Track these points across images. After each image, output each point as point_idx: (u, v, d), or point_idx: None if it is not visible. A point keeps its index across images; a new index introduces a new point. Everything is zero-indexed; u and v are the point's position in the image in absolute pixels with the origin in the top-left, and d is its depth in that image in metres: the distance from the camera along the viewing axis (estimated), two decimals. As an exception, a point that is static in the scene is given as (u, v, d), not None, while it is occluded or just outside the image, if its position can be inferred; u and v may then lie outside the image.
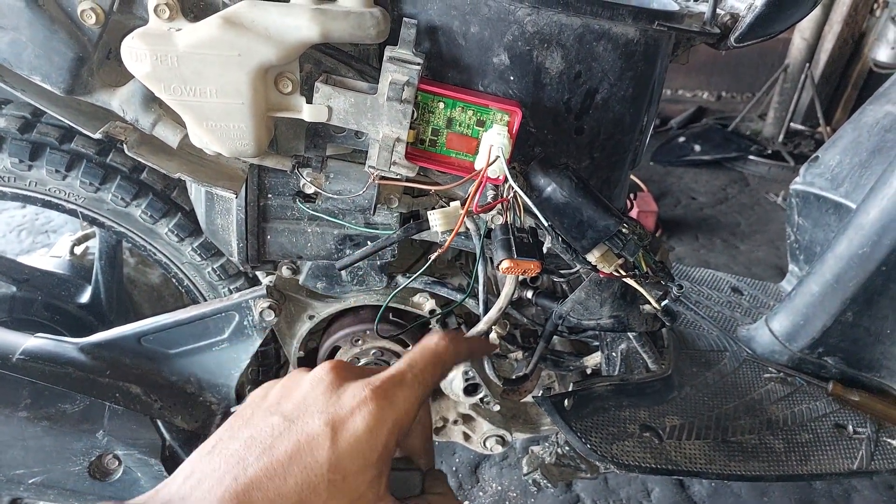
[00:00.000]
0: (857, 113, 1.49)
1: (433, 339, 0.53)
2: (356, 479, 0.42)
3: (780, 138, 4.34)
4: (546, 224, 0.71)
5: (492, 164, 0.66)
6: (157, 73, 0.62)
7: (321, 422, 0.42)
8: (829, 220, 1.48)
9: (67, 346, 0.92)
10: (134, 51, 0.60)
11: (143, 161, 0.71)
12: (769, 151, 4.25)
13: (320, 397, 0.45)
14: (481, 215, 0.72)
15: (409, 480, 0.53)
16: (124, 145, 0.70)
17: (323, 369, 0.48)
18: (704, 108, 5.24)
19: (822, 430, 1.26)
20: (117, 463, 0.86)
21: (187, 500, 0.39)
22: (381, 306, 0.88)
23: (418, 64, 0.64)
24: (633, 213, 3.05)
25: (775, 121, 4.45)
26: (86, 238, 1.35)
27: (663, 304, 0.81)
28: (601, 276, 0.79)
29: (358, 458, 0.42)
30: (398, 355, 1.04)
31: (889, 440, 1.24)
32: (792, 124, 4.37)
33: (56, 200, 0.96)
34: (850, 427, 1.26)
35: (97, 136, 0.69)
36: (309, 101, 0.67)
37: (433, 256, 0.73)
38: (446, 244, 0.71)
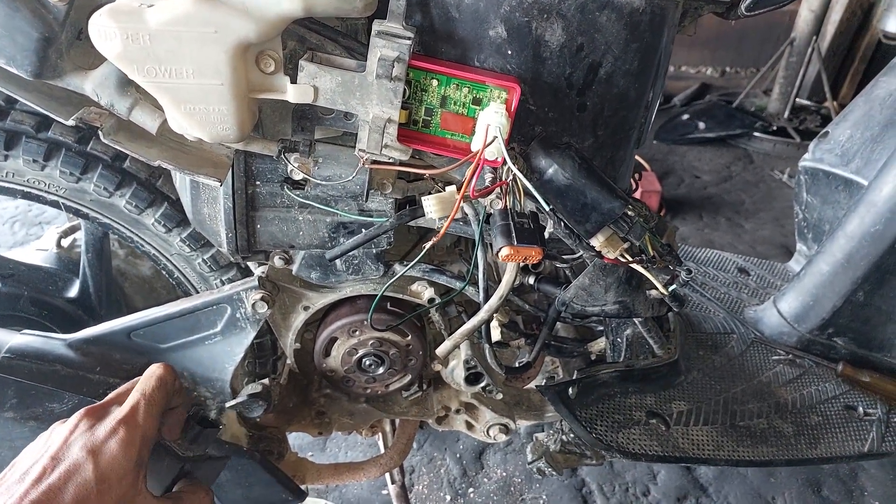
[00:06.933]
0: (868, 86, 1.44)
1: (156, 368, 0.72)
2: (119, 484, 0.59)
3: (786, 114, 4.27)
4: (547, 208, 0.67)
5: (489, 144, 0.62)
6: (128, 53, 0.57)
7: (84, 452, 0.59)
8: (839, 197, 1.44)
9: (55, 342, 0.89)
10: (102, 29, 0.56)
11: (121, 149, 0.67)
12: (774, 128, 4.18)
13: (79, 437, 0.61)
14: (479, 200, 0.68)
15: (165, 470, 0.70)
16: (100, 132, 0.66)
17: (77, 416, 0.64)
18: (708, 85, 5.16)
19: (832, 413, 1.23)
20: (108, 462, 0.84)
21: None
22: (376, 297, 0.85)
23: (409, 38, 0.60)
24: (637, 194, 3.00)
25: (780, 96, 4.37)
26: (72, 230, 1.31)
27: (671, 289, 0.78)
28: (606, 261, 0.75)
29: (118, 469, 0.59)
30: (397, 346, 1.01)
31: (901, 422, 1.21)
32: (798, 99, 4.29)
33: (36, 192, 0.92)
34: (861, 409, 1.24)
35: (70, 122, 0.65)
36: (293, 81, 0.62)
37: (428, 245, 0.69)
38: (441, 231, 0.67)
